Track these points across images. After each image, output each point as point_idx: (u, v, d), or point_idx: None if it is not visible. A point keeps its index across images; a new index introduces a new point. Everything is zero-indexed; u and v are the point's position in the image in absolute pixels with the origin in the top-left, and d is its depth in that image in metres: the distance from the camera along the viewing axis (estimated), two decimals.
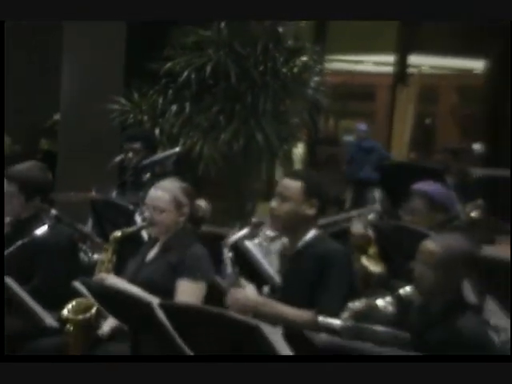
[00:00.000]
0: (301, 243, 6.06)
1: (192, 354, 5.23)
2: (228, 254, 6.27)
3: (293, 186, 6.07)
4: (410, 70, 19.51)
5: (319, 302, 5.73)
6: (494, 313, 5.98)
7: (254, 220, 6.52)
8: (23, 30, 14.12)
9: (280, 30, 11.64)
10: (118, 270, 6.47)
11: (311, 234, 6.06)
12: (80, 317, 6.09)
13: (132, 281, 6.24)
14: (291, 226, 6.07)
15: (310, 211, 6.04)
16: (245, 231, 6.44)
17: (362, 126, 17.87)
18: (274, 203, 6.11)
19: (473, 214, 7.45)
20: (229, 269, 6.22)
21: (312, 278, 5.88)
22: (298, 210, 6.02)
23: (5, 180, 6.93)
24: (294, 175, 6.27)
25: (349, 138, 21.11)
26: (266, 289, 6.15)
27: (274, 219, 6.16)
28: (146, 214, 6.51)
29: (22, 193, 6.83)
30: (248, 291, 6.05)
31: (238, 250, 6.57)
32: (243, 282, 6.18)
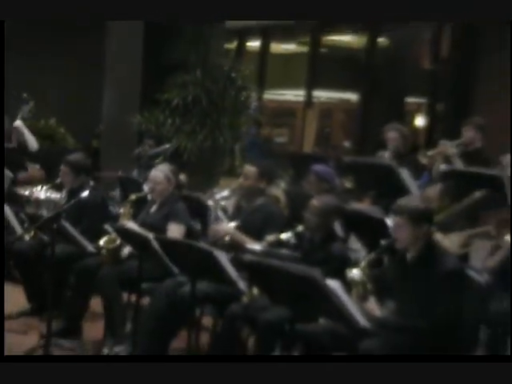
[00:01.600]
0: (255, 204, 6.12)
1: (174, 267, 5.28)
2: (213, 204, 6.39)
3: (251, 170, 6.16)
4: (314, 100, 19.46)
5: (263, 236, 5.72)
6: (353, 242, 6.02)
7: (232, 186, 6.58)
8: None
9: (233, 74, 11.65)
10: (133, 218, 6.48)
11: (261, 199, 6.13)
12: (110, 246, 6.12)
13: (141, 225, 6.26)
14: (251, 194, 6.16)
15: (261, 186, 6.14)
16: (225, 193, 6.55)
17: (252, 130, 17.60)
18: (240, 180, 6.21)
19: (346, 185, 7.44)
20: (213, 213, 6.32)
21: (260, 223, 5.92)
22: (254, 185, 6.11)
23: (62, 164, 6.87)
24: (252, 163, 6.37)
25: (280, 140, 21.13)
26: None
27: (240, 190, 6.25)
28: (149, 185, 6.58)
29: (72, 171, 6.83)
30: (224, 224, 6.12)
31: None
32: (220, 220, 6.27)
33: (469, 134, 7.87)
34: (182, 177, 7.49)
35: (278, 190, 6.79)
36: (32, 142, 9.30)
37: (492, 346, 5.38)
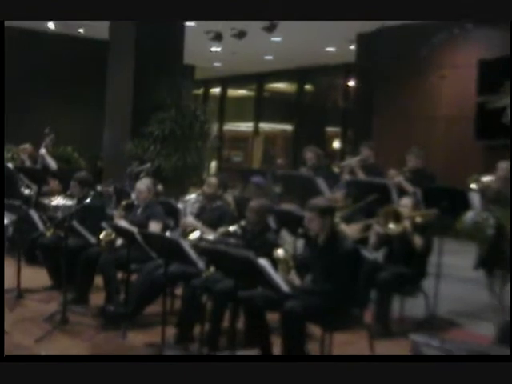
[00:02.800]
0: (215, 205, 6.03)
1: (153, 253, 5.12)
2: (183, 205, 6.40)
3: (212, 180, 6.08)
4: (260, 130, 19.55)
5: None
6: (284, 233, 6.07)
7: (198, 192, 6.52)
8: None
9: (198, 113, 11.64)
10: (124, 218, 6.36)
11: (218, 202, 6.05)
12: (107, 238, 6.03)
13: (130, 223, 6.14)
14: (211, 198, 6.05)
15: (219, 192, 6.05)
16: (192, 196, 6.52)
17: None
18: (204, 188, 6.12)
19: (276, 190, 7.45)
20: (182, 212, 6.34)
21: (216, 219, 5.85)
22: (214, 192, 6.04)
23: (72, 180, 6.73)
24: (213, 175, 6.31)
25: (237, 159, 21.13)
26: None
27: (204, 195, 6.14)
28: (135, 194, 6.49)
29: (79, 185, 6.69)
30: (189, 219, 6.02)
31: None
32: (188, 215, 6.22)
33: (365, 152, 7.98)
34: (160, 187, 7.45)
35: (229, 196, 6.81)
36: (52, 164, 9.26)
37: (379, 304, 5.51)
